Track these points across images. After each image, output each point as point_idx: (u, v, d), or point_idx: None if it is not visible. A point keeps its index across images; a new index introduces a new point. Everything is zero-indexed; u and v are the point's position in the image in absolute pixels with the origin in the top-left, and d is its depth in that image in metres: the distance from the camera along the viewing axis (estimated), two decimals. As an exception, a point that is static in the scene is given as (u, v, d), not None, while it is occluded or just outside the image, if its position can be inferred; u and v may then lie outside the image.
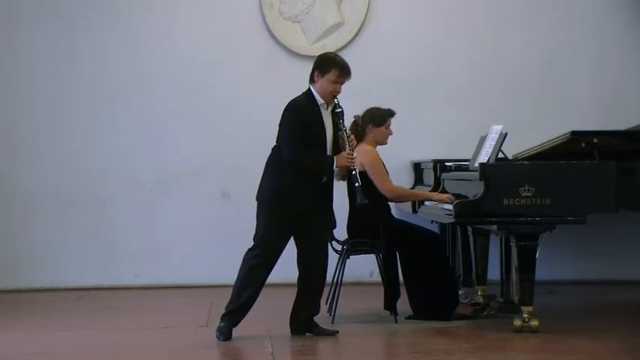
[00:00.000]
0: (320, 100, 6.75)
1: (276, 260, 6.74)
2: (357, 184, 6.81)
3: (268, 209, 6.70)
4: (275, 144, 6.82)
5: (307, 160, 6.71)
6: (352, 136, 6.87)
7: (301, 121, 6.69)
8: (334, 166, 6.73)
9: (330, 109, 6.78)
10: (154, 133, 9.33)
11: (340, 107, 6.76)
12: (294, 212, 6.69)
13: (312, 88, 6.79)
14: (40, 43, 9.28)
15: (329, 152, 6.77)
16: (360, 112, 7.57)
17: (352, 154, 6.74)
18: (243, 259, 6.76)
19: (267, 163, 6.84)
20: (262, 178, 6.83)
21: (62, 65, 9.29)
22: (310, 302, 6.84)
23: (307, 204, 6.70)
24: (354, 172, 6.80)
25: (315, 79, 6.77)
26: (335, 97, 6.76)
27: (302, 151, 6.67)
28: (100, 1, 9.35)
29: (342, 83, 6.77)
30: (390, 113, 7.55)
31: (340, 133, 6.76)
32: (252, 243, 6.76)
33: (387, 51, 9.41)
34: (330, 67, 6.75)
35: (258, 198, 6.80)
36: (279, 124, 6.79)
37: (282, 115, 6.78)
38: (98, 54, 9.31)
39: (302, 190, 6.67)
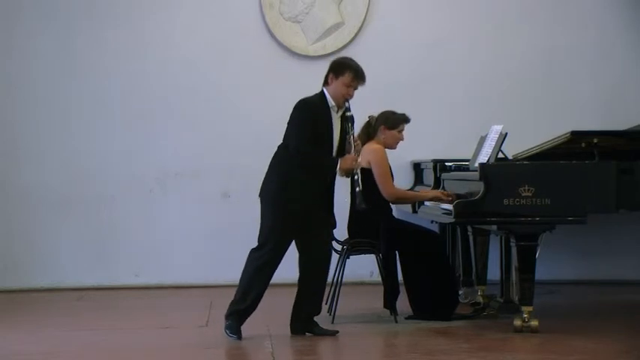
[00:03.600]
0: (331, 103, 6.76)
1: (281, 259, 6.73)
2: (357, 188, 6.80)
3: (273, 209, 6.70)
4: (282, 142, 6.81)
5: (311, 156, 6.71)
6: (359, 142, 6.87)
7: (310, 118, 6.70)
8: (337, 167, 6.72)
9: (340, 112, 6.79)
10: (154, 133, 9.33)
11: (350, 112, 6.76)
12: (298, 212, 6.67)
13: (325, 90, 6.80)
14: (41, 43, 9.27)
15: (334, 155, 6.77)
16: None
17: (357, 159, 6.74)
18: (248, 259, 6.73)
19: (272, 161, 6.82)
20: (266, 175, 6.81)
21: (62, 65, 9.29)
22: (312, 302, 6.83)
23: (311, 205, 6.70)
24: (356, 176, 6.79)
25: (329, 81, 6.78)
26: (347, 100, 6.77)
27: (308, 147, 6.67)
28: (100, 2, 9.36)
29: (355, 88, 6.78)
30: (404, 119, 7.53)
31: (347, 136, 6.75)
32: (256, 243, 6.74)
33: (387, 51, 9.40)
34: (345, 70, 6.77)
35: (261, 196, 6.78)
36: (288, 122, 6.78)
37: (292, 112, 6.77)
38: (98, 54, 9.31)
39: (306, 191, 6.67)
